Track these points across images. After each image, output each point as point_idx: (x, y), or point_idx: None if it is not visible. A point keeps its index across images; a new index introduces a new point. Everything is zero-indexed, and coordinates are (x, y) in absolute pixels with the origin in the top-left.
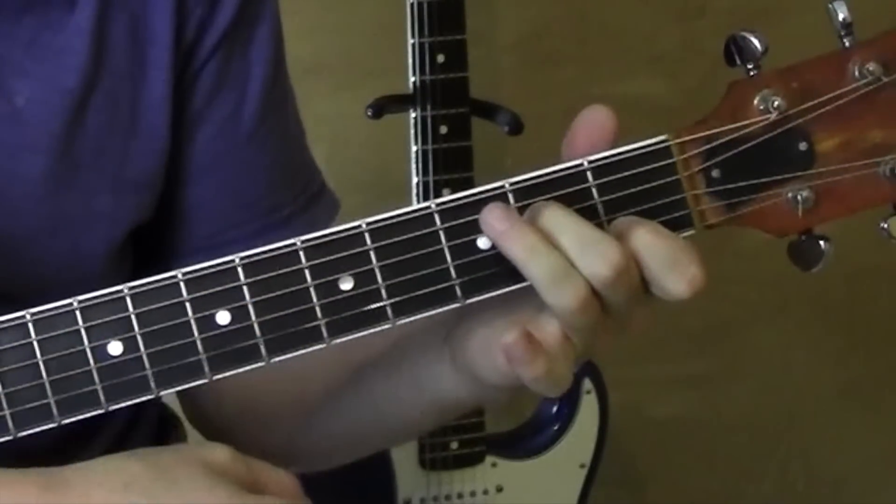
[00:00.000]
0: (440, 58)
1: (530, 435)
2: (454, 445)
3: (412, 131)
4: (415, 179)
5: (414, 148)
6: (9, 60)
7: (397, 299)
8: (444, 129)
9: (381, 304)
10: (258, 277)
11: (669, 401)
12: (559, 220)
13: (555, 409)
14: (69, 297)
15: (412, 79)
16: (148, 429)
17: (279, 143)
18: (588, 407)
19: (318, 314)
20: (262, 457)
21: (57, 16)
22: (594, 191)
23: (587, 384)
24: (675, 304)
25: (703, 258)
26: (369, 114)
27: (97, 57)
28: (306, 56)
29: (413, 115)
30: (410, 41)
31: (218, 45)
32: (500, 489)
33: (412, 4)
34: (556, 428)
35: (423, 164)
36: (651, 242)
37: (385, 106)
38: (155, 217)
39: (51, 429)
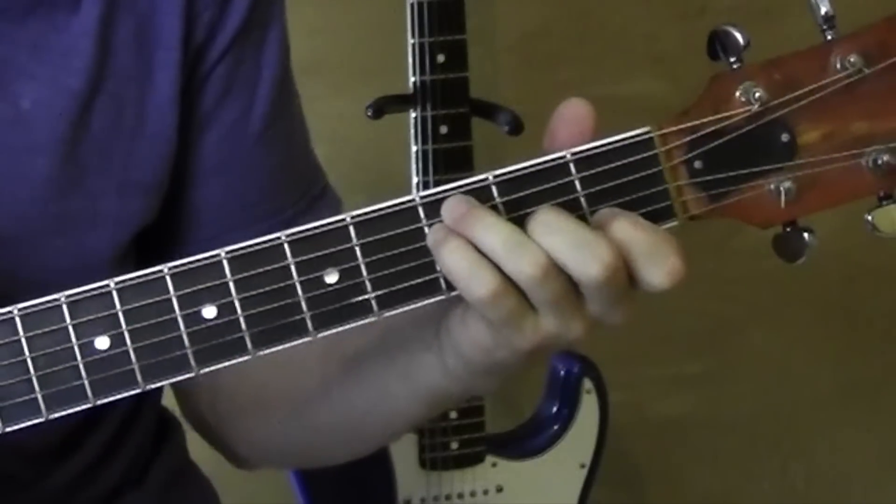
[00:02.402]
0: (440, 58)
1: (530, 435)
2: (454, 445)
3: (412, 131)
4: (415, 179)
5: (414, 148)
6: (14, 63)
7: (382, 292)
8: (444, 129)
9: (366, 296)
10: (244, 271)
11: (669, 401)
12: (550, 222)
13: (555, 409)
14: None
15: (412, 79)
16: (147, 430)
17: (285, 146)
18: (588, 407)
19: (304, 307)
20: (258, 452)
21: (61, 18)
22: (577, 183)
23: (587, 384)
24: (675, 304)
25: (703, 259)
26: (369, 114)
27: (102, 59)
28: (306, 56)
29: (413, 115)
30: (410, 41)
31: (228, 48)
32: (500, 489)
33: (412, 4)
34: (556, 428)
35: (423, 164)
36: (631, 234)
37: (385, 106)
38: (160, 217)
39: (48, 430)
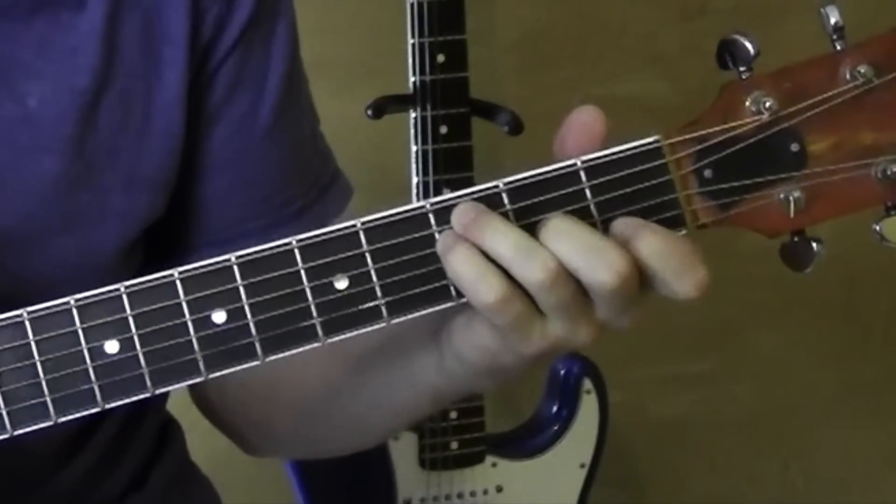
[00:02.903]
0: (440, 58)
1: (530, 435)
2: (454, 445)
3: (412, 131)
4: (415, 179)
5: (414, 148)
6: (20, 62)
7: (392, 298)
8: (444, 129)
9: (376, 303)
10: (254, 276)
11: (669, 401)
12: (561, 228)
13: (555, 409)
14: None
15: (412, 79)
16: (150, 434)
17: (294, 137)
18: (588, 407)
19: (314, 313)
20: (267, 441)
21: (67, 16)
22: (587, 191)
23: (587, 384)
24: (676, 304)
25: (705, 259)
26: (369, 114)
27: (108, 57)
28: (306, 56)
29: (413, 115)
30: (410, 41)
31: (236, 43)
32: (500, 489)
33: (412, 4)
34: (556, 428)
35: (423, 164)
36: (661, 248)
37: (385, 106)
38: (168, 212)
39: (50, 431)
